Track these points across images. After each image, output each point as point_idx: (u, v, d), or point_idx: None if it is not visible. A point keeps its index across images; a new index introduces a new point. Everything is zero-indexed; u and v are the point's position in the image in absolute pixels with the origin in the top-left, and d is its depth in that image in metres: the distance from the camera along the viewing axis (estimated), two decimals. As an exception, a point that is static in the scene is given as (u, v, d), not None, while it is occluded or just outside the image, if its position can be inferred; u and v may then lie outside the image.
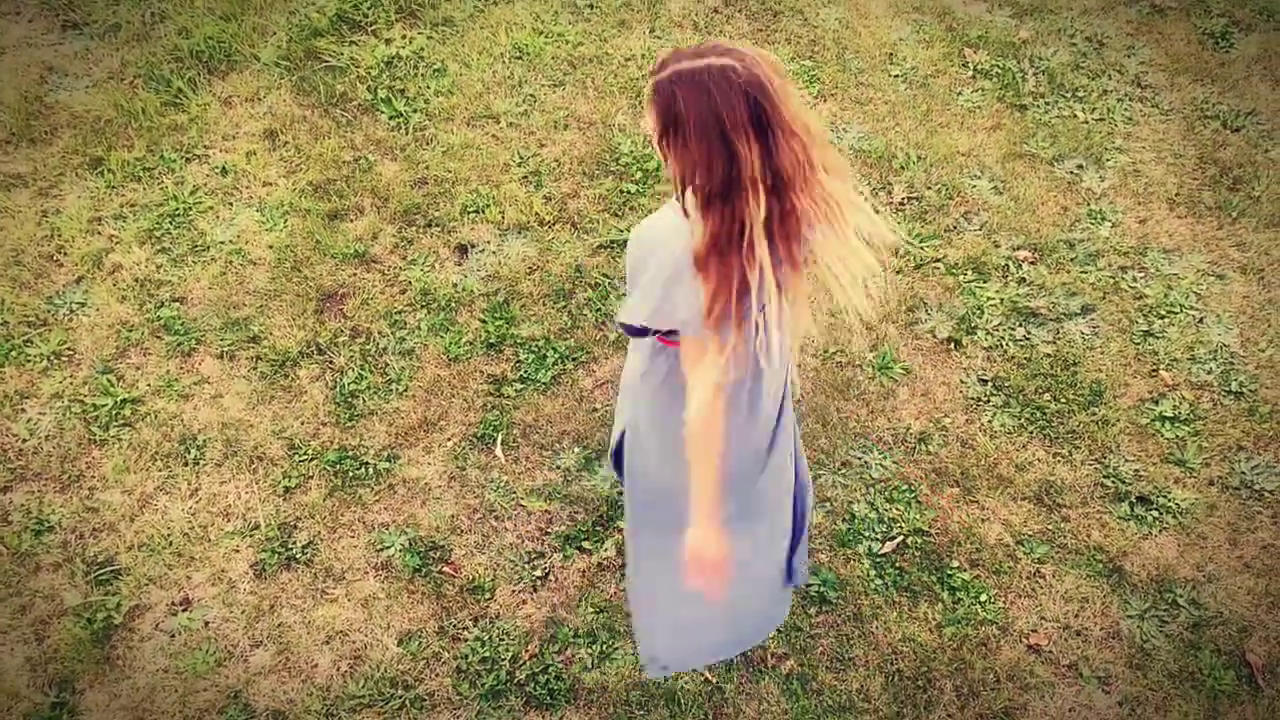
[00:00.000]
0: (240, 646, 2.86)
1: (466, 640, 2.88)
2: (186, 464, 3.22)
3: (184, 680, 2.78)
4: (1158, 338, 3.55)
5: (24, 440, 3.27)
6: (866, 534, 3.10)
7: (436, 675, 2.83)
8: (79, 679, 2.78)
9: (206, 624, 2.90)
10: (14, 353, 3.45)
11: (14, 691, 2.76)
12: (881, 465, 3.25)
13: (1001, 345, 3.54)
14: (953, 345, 3.55)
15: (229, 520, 3.11)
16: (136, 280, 3.63)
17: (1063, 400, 3.40)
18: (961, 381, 3.46)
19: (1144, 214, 3.89)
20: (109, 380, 3.38)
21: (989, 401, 3.41)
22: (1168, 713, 2.80)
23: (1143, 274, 3.72)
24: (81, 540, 3.05)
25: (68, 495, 3.15)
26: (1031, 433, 3.34)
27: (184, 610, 2.93)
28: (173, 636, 2.87)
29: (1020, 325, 3.59)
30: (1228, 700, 2.82)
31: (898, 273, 3.73)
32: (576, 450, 3.26)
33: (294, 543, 3.06)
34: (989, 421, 3.37)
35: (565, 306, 3.61)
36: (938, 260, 3.75)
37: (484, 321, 3.56)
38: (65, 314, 3.57)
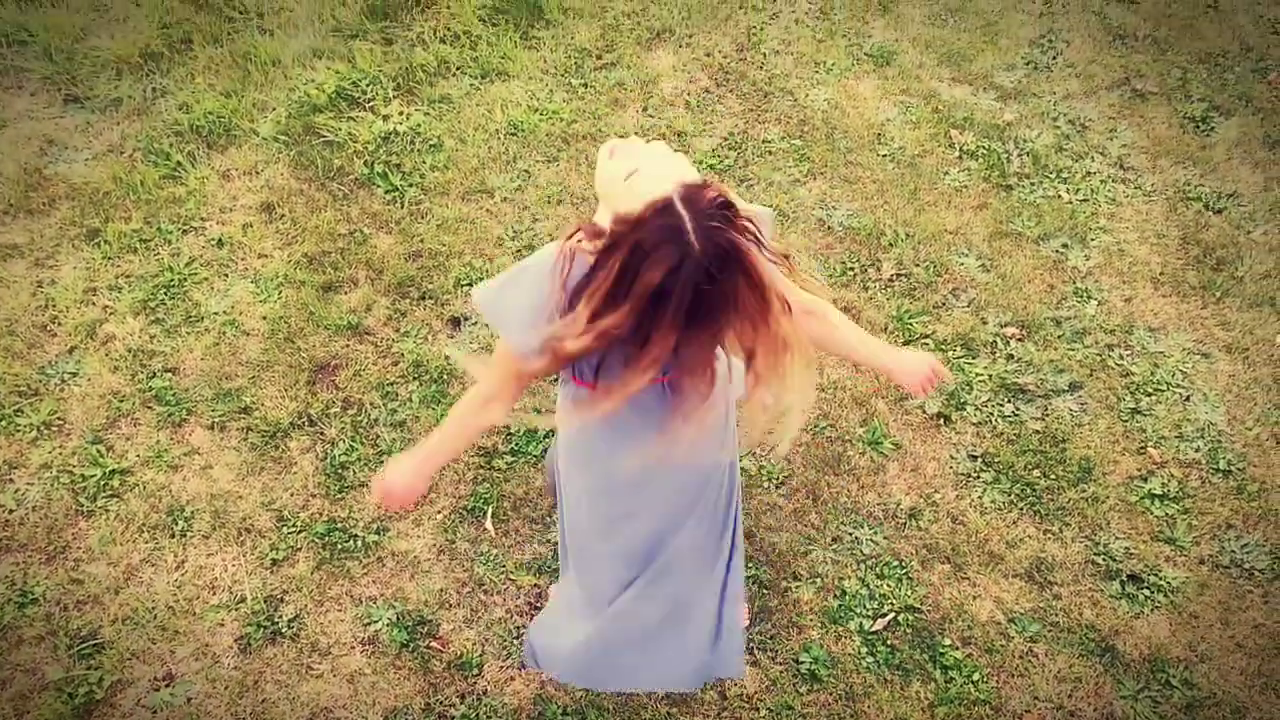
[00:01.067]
0: (222, 723, 2.82)
1: (454, 718, 2.83)
2: (173, 535, 3.20)
3: (164, 758, 2.73)
4: (1145, 415, 3.58)
5: (10, 510, 3.25)
6: (858, 610, 3.08)
7: None
8: (57, 757, 2.73)
9: (189, 700, 2.85)
10: (3, 422, 3.45)
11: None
12: (872, 541, 3.25)
13: (990, 421, 3.56)
14: (942, 421, 3.56)
15: (215, 593, 3.08)
16: (129, 350, 3.64)
17: (1052, 477, 3.41)
18: (951, 457, 3.48)
19: (1129, 293, 3.95)
20: (98, 450, 3.37)
21: (979, 477, 3.42)
22: (1163, 796, 2.76)
23: (1129, 352, 3.76)
24: (65, 613, 3.02)
25: (53, 567, 3.12)
26: (1022, 509, 3.34)
27: (166, 686, 2.88)
28: (154, 713, 2.83)
29: (1009, 401, 3.61)
30: (1223, 783, 2.79)
31: (905, 343, 3.74)
32: (567, 524, 3.24)
33: (280, 616, 3.03)
34: (979, 497, 3.37)
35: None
36: (926, 336, 3.79)
37: (476, 394, 3.57)
38: (57, 383, 3.57)
